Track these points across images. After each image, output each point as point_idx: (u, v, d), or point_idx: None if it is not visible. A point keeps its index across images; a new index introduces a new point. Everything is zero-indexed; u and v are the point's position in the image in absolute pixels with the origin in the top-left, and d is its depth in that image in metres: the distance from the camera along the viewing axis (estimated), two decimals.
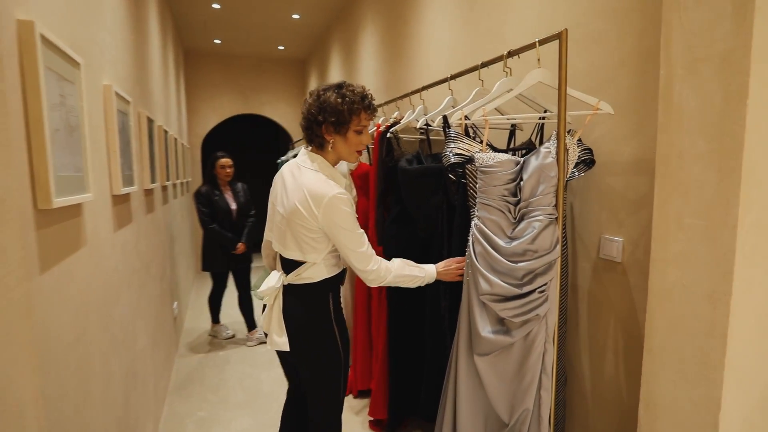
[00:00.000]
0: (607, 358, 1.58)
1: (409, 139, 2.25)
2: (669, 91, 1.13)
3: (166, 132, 3.24)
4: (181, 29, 5.04)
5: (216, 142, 6.30)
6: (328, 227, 1.30)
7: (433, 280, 1.50)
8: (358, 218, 1.40)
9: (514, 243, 1.31)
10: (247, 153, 6.89)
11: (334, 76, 5.06)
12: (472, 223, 1.41)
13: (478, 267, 1.34)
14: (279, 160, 5.23)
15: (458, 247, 1.56)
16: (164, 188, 3.15)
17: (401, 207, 2.04)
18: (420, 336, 1.93)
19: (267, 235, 1.55)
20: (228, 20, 4.79)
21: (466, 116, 1.48)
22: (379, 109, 2.85)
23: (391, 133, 2.01)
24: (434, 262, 1.57)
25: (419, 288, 1.55)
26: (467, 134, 1.54)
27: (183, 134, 5.19)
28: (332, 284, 1.43)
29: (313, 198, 1.28)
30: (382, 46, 3.62)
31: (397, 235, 2.03)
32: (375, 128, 2.25)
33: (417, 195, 1.74)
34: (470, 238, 1.41)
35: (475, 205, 1.48)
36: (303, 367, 1.41)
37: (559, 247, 1.30)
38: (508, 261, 1.31)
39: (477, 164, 1.39)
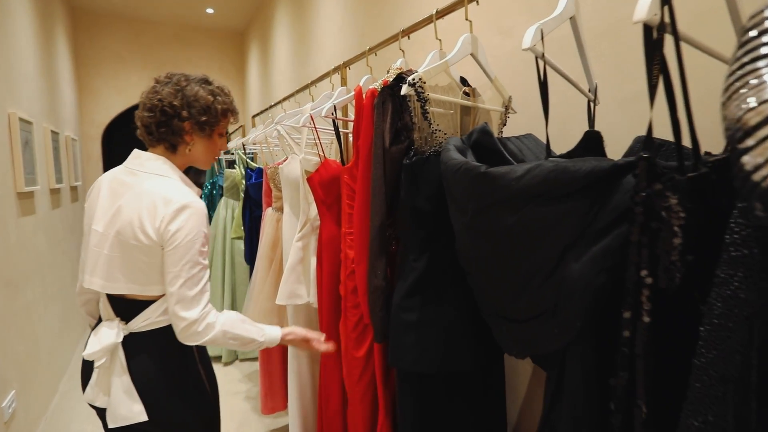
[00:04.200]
0: None
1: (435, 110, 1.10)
2: None
3: None
4: None
5: (124, 134, 4.78)
6: (171, 241, 0.97)
7: (274, 345, 1.14)
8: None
9: None
10: None
11: (282, 46, 3.80)
12: None
13: None
14: None
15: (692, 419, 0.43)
16: None
17: (432, 257, 0.89)
18: None
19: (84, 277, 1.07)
20: None
21: None
22: (358, 64, 1.68)
23: (412, 86, 0.85)
24: None
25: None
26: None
27: (66, 121, 3.71)
28: None
29: (163, 203, 0.98)
30: None
31: (420, 324, 0.88)
32: (357, 90, 1.10)
33: (521, 246, 0.59)
34: None
35: None
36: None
37: None
38: None
39: None
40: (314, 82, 1.91)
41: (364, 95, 1.03)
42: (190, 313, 0.98)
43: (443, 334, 0.86)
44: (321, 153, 1.46)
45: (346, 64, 1.60)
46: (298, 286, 1.66)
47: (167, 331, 1.04)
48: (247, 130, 4.57)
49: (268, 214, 2.10)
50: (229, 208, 3.33)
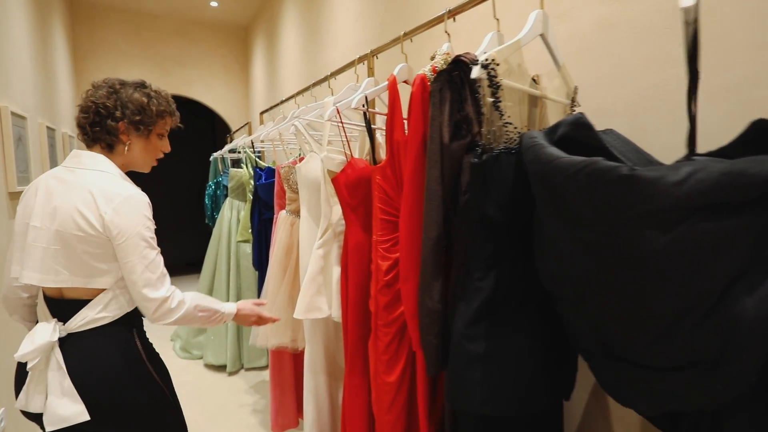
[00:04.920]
0: None
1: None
2: None
3: None
4: None
5: None
6: (121, 233, 0.99)
7: (231, 317, 1.20)
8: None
9: None
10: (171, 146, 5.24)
11: (290, 40, 3.65)
12: None
13: None
14: (212, 157, 3.88)
15: None
16: None
17: (500, 275, 0.74)
18: None
19: (14, 271, 1.08)
20: None
21: None
22: (384, 55, 1.53)
23: (485, 68, 0.70)
24: None
25: None
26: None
27: (64, 118, 3.55)
28: (136, 318, 1.11)
29: (104, 196, 0.99)
30: None
31: (489, 356, 0.73)
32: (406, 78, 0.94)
33: (672, 274, 0.44)
34: None
35: None
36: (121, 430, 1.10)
37: None
38: None
39: None
40: (334, 74, 1.76)
41: (413, 86, 0.88)
42: (159, 292, 1.00)
43: (520, 369, 0.71)
44: (348, 151, 1.31)
45: (374, 53, 1.44)
46: (318, 299, 1.51)
47: (107, 328, 1.04)
48: (254, 128, 4.42)
49: (282, 218, 1.94)
50: (234, 210, 3.17)
